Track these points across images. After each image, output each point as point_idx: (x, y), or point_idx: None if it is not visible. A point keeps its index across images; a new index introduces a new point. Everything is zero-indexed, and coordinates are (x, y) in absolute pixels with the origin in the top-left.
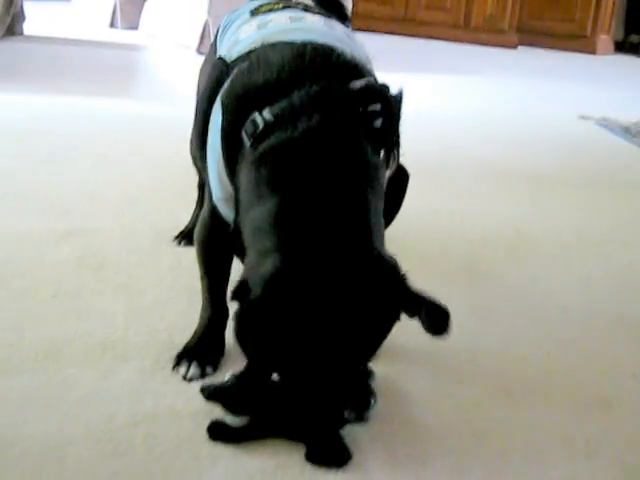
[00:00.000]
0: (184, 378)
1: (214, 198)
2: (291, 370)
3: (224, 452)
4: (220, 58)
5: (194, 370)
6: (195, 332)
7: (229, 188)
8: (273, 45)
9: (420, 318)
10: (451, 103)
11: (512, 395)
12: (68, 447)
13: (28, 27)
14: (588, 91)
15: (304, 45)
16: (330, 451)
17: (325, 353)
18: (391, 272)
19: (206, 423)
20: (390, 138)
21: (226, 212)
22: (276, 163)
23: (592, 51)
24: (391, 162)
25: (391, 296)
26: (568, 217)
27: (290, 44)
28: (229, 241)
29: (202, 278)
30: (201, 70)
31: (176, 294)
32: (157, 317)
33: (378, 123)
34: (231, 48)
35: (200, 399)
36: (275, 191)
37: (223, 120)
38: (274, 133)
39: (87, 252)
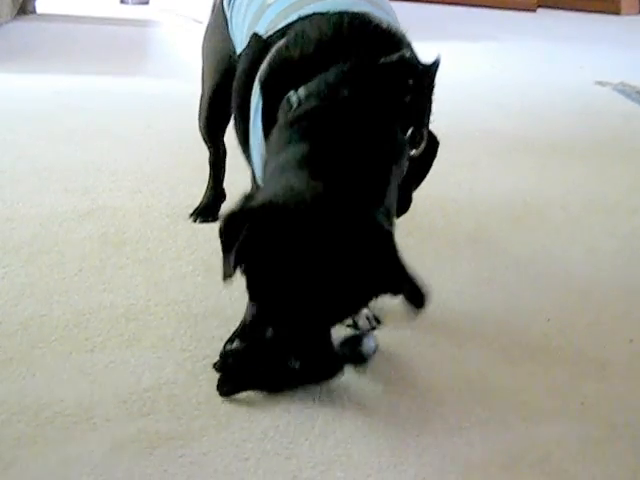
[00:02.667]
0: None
1: (258, 178)
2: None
3: (239, 411)
4: (256, 35)
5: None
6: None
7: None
8: (309, 18)
9: (403, 293)
10: (464, 71)
11: (512, 359)
12: (97, 408)
13: (40, 5)
14: (608, 55)
15: (340, 17)
16: (320, 365)
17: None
18: (383, 236)
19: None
20: (419, 116)
21: None
22: (304, 125)
23: (616, 11)
24: (419, 140)
25: (376, 253)
26: (577, 186)
27: (326, 16)
28: None
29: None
30: (206, 36)
31: (193, 268)
32: (176, 290)
33: (408, 99)
34: (260, 15)
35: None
36: (301, 141)
37: (263, 103)
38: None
39: (108, 229)
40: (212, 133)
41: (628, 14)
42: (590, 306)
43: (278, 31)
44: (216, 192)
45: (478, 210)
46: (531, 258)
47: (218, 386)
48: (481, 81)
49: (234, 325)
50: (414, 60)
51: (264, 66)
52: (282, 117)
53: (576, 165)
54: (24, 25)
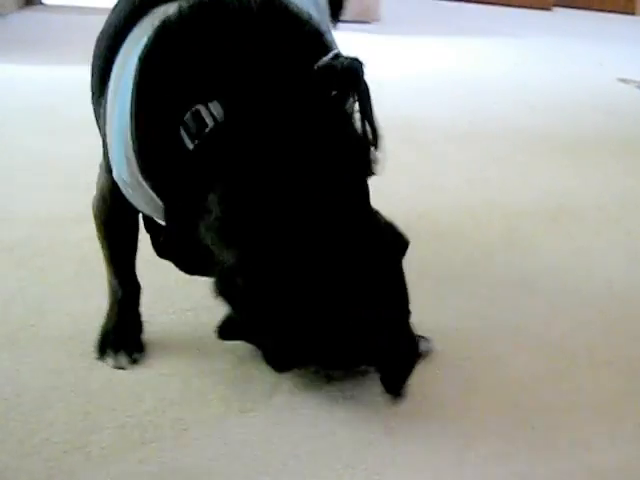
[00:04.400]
0: (115, 367)
1: (115, 175)
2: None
3: (254, 437)
4: None
5: (123, 359)
6: (109, 316)
7: (139, 178)
8: None
9: None
10: (483, 68)
11: (556, 374)
12: (92, 434)
13: None
14: (627, 54)
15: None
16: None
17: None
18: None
19: (236, 407)
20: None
21: (136, 201)
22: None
23: (631, 11)
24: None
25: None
26: (609, 186)
27: None
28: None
29: (108, 258)
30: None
31: None
32: (182, 296)
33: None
34: None
35: (228, 382)
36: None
37: (136, 97)
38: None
39: None
40: (100, 117)
41: None
42: (635, 315)
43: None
44: None
45: (510, 211)
46: (569, 263)
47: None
48: (504, 78)
49: None
50: (348, 63)
51: (146, 46)
52: (188, 141)
53: (608, 163)
54: (30, 16)
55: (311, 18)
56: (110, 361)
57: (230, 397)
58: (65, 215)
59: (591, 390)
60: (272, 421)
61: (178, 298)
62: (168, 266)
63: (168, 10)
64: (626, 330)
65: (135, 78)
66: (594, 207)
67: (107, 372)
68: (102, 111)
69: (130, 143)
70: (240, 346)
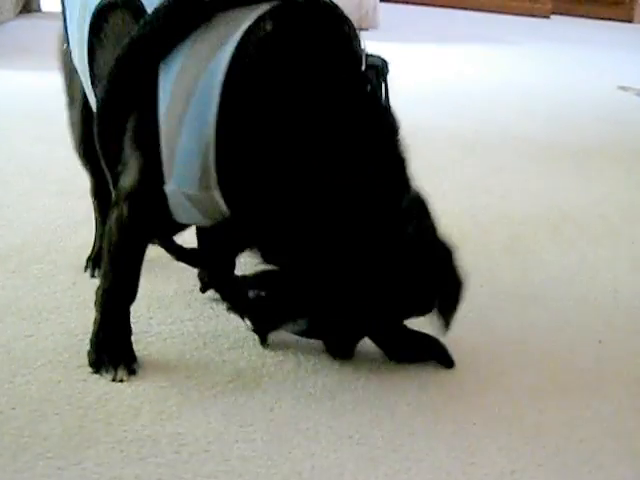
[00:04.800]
0: (113, 380)
1: (172, 189)
2: None
3: (255, 453)
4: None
5: (122, 371)
6: (102, 327)
7: (213, 189)
8: None
9: None
10: (483, 75)
11: (563, 388)
12: (88, 449)
13: (46, 3)
14: (626, 61)
15: None
16: None
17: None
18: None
19: (236, 421)
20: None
21: (185, 212)
22: None
23: (629, 19)
24: None
25: None
26: (612, 194)
27: None
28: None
29: (122, 267)
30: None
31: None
32: (182, 306)
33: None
34: None
35: (229, 396)
36: None
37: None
38: None
39: None
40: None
41: None
42: None
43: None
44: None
45: (513, 219)
46: (574, 272)
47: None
48: (503, 85)
49: (247, 347)
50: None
51: (232, 58)
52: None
53: (610, 171)
54: (27, 23)
55: None
56: (108, 375)
57: (230, 411)
58: (61, 222)
59: (599, 405)
60: (273, 436)
61: (178, 308)
62: (168, 275)
63: (243, 18)
64: (633, 342)
65: (221, 87)
66: (597, 216)
67: (104, 384)
68: (148, 127)
69: (212, 155)
70: (241, 357)
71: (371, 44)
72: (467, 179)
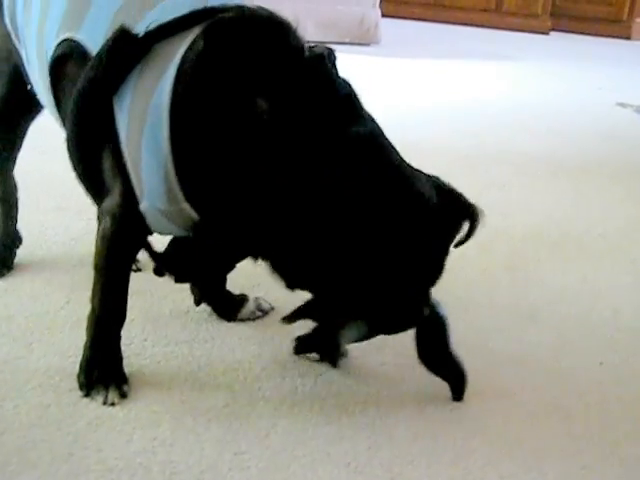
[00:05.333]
0: (104, 404)
1: (146, 206)
2: None
3: None
4: (124, 31)
5: (113, 394)
6: (92, 349)
7: (181, 203)
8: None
9: None
10: (482, 91)
11: (565, 414)
12: (77, 478)
13: None
14: (625, 78)
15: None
16: None
17: None
18: None
19: (230, 448)
20: None
21: (163, 225)
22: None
23: (627, 36)
24: None
25: None
26: (611, 212)
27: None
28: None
29: (107, 288)
30: None
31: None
32: (177, 327)
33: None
34: (80, 13)
35: (223, 421)
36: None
37: (173, 124)
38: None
39: None
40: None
41: (639, 39)
42: None
43: (163, 28)
44: (7, 233)
45: (512, 236)
46: (575, 292)
47: None
48: (503, 101)
49: (243, 370)
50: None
51: (177, 71)
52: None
53: (610, 188)
54: None
55: None
56: (100, 398)
57: (224, 437)
58: (57, 239)
59: (601, 430)
60: (268, 464)
61: (173, 329)
62: (164, 295)
63: (180, 43)
64: (635, 364)
65: (169, 108)
66: (597, 234)
67: (95, 408)
68: (116, 156)
69: (172, 171)
70: (236, 381)
71: (373, 59)
72: (466, 194)
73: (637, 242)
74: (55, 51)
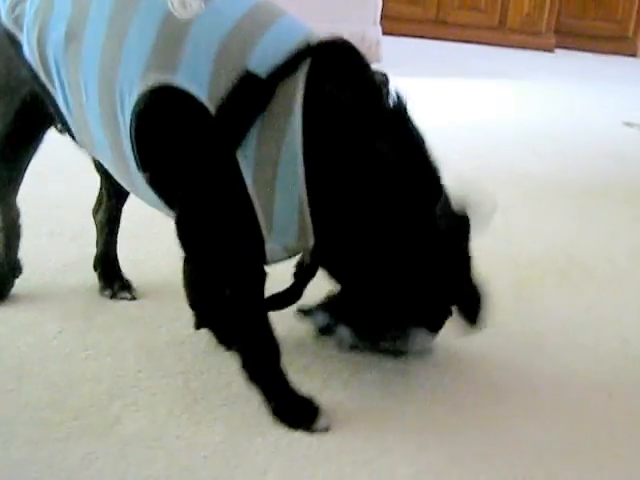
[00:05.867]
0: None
1: (272, 246)
2: None
3: None
4: (252, 74)
5: (323, 421)
6: (271, 390)
7: (310, 239)
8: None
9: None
10: (485, 110)
11: (575, 449)
12: None
13: None
14: (631, 96)
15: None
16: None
17: None
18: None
19: None
20: None
21: (279, 255)
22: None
23: (633, 53)
24: None
25: None
26: (619, 236)
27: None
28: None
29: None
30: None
31: (194, 332)
32: (172, 358)
33: None
34: (174, 40)
35: (220, 458)
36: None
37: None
38: None
39: (98, 282)
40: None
41: None
42: None
43: (286, 67)
44: (8, 262)
45: (518, 263)
46: (581, 320)
47: None
48: (507, 121)
49: (240, 404)
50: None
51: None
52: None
53: (616, 211)
54: None
55: None
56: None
57: (220, 475)
58: (50, 265)
59: (611, 466)
60: None
61: (168, 360)
62: (159, 324)
63: (294, 85)
64: None
65: (302, 148)
66: (604, 259)
67: (86, 443)
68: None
69: (307, 209)
70: (233, 415)
71: None
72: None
73: None
74: (143, 98)
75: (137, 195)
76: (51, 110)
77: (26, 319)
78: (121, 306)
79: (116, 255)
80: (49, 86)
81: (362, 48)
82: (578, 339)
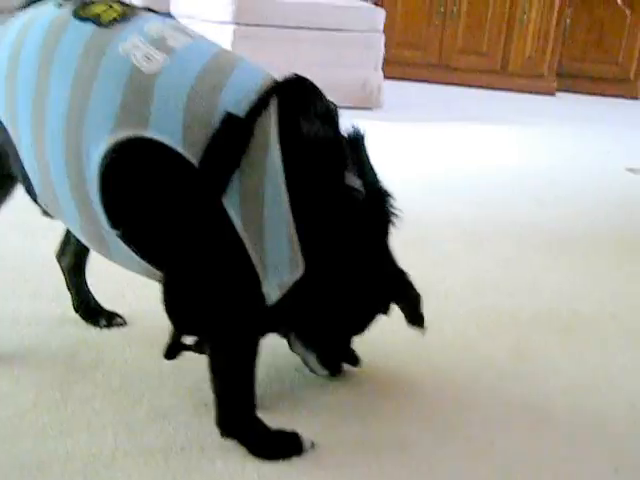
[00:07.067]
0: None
1: (270, 284)
2: None
3: None
4: (232, 115)
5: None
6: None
7: (300, 267)
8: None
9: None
10: (487, 156)
11: None
12: None
13: None
14: (633, 141)
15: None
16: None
17: None
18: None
19: None
20: None
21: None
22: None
23: (634, 95)
24: None
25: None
26: (623, 288)
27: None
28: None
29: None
30: None
31: (178, 402)
32: (153, 433)
33: None
34: (142, 91)
35: None
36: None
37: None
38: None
39: (79, 347)
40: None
41: None
42: None
43: (260, 104)
44: None
45: (520, 320)
46: (588, 384)
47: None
48: (510, 168)
49: None
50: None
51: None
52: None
53: (620, 262)
54: None
55: None
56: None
57: None
58: (29, 330)
59: None
60: None
61: (148, 436)
62: (139, 396)
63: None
64: None
65: (285, 183)
66: (609, 315)
67: None
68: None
69: (295, 236)
70: None
71: (375, 124)
72: (472, 271)
73: None
74: (111, 151)
75: (113, 260)
76: (16, 171)
77: (2, 389)
78: (102, 374)
79: (90, 292)
80: (18, 147)
81: (363, 94)
82: (583, 403)
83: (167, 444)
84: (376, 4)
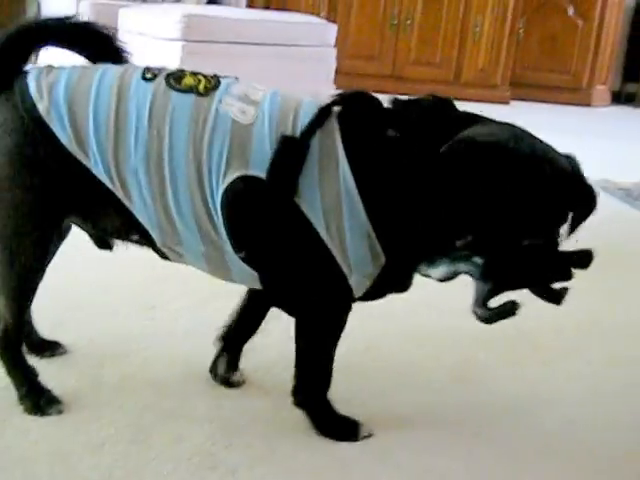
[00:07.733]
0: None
1: (354, 279)
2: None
3: None
4: (288, 137)
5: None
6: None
7: (381, 258)
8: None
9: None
10: None
11: None
12: None
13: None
14: (584, 148)
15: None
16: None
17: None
18: None
19: None
20: None
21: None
22: None
23: (587, 103)
24: None
25: None
26: (568, 304)
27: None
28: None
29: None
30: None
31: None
32: (88, 464)
33: None
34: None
35: None
36: None
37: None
38: None
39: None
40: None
41: (599, 105)
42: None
43: (314, 123)
44: None
45: (462, 340)
46: (529, 402)
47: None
48: None
49: None
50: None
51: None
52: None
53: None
54: None
55: None
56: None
57: None
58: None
59: None
60: None
61: (84, 467)
62: (77, 425)
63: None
64: None
65: (357, 189)
66: (552, 331)
67: None
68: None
69: (373, 234)
70: None
71: None
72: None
73: (594, 339)
74: (228, 189)
75: (232, 280)
76: (117, 222)
77: None
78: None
79: (33, 326)
80: (125, 201)
81: None
82: (526, 423)
83: (103, 477)
84: (329, 15)
